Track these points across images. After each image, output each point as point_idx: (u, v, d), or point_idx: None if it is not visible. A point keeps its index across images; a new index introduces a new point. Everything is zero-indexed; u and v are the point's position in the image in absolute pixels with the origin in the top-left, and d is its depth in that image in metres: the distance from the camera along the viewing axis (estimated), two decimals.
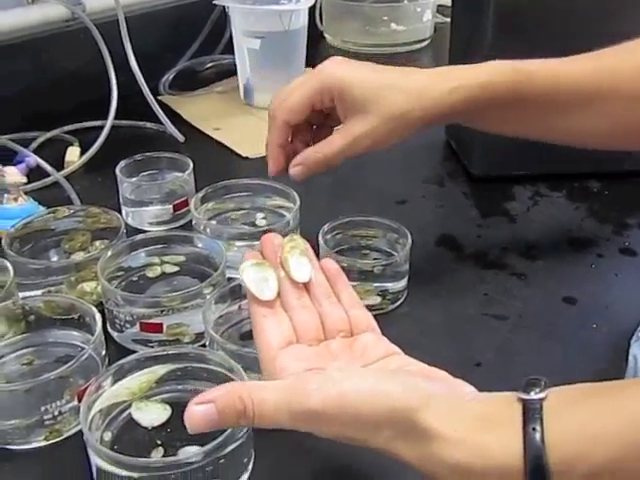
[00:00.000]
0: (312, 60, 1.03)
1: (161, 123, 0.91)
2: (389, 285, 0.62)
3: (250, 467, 0.47)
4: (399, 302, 0.63)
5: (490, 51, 0.74)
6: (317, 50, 1.20)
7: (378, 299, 0.61)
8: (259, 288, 0.48)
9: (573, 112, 0.58)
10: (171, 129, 0.90)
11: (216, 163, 0.87)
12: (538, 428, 0.35)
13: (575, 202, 0.78)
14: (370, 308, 0.60)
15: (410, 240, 0.62)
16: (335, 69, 0.59)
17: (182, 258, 0.63)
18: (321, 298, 0.49)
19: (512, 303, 0.63)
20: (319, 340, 0.47)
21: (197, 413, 0.39)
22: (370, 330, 0.48)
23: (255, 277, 0.48)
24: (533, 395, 0.37)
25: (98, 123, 0.90)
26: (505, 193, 0.80)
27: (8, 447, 0.49)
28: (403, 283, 0.63)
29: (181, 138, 0.90)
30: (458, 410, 0.38)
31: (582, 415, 0.36)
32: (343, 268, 0.60)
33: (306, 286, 0.50)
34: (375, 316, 0.60)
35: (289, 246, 0.51)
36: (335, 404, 0.38)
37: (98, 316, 0.53)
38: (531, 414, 0.36)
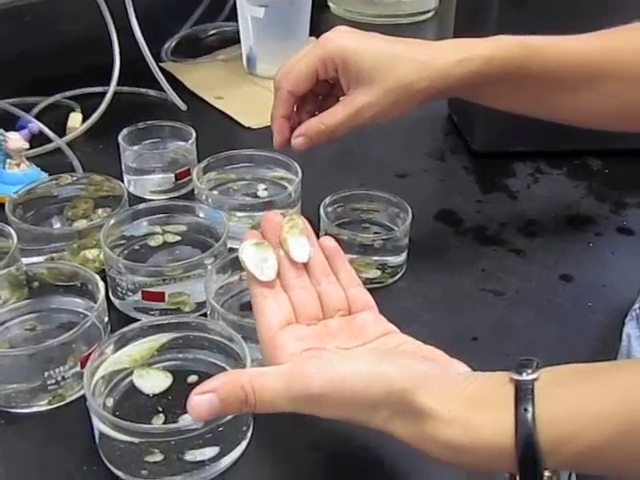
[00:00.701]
0: (316, 29, 1.02)
1: (163, 91, 0.90)
2: (389, 259, 0.62)
3: (249, 435, 0.48)
4: (398, 276, 0.64)
5: (497, 22, 0.74)
6: (321, 19, 1.19)
7: (377, 273, 0.62)
8: (259, 268, 0.48)
9: (578, 90, 0.58)
10: (173, 97, 0.90)
11: (218, 133, 0.87)
12: (530, 408, 0.36)
13: (575, 180, 0.79)
14: (369, 281, 0.62)
15: (411, 215, 0.63)
16: (339, 39, 0.59)
17: (184, 228, 0.64)
18: (320, 277, 0.50)
19: (509, 279, 0.64)
20: (318, 319, 0.48)
21: (200, 403, 0.40)
22: (368, 309, 0.49)
23: (255, 257, 0.49)
24: (525, 376, 0.38)
25: (100, 89, 0.90)
26: (506, 169, 0.80)
27: (11, 410, 0.50)
28: (402, 257, 0.64)
29: (183, 106, 0.90)
30: (452, 390, 0.39)
31: (573, 395, 0.37)
32: (343, 241, 0.61)
33: (305, 265, 0.50)
34: (374, 289, 0.61)
35: (288, 226, 0.51)
36: (334, 387, 0.39)
37: (101, 284, 0.53)
38: (523, 394, 0.37)
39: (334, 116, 0.59)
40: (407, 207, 0.63)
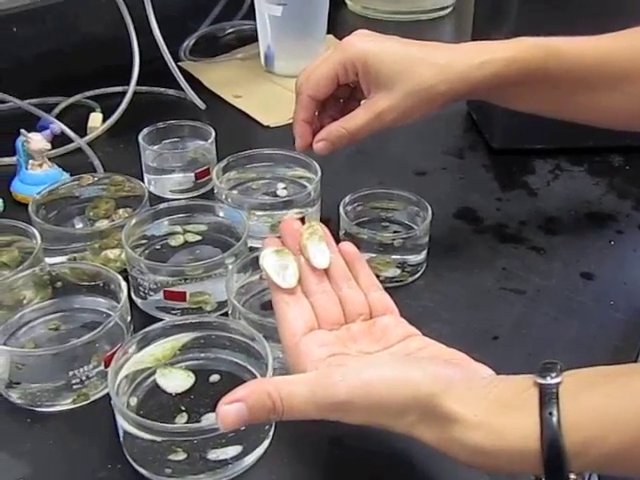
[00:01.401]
0: (333, 27, 1.02)
1: (182, 90, 0.91)
2: (408, 257, 0.62)
3: (271, 434, 0.48)
4: (418, 274, 0.64)
5: (516, 17, 0.73)
6: (338, 17, 1.19)
7: (397, 271, 0.62)
8: (280, 276, 0.49)
9: (599, 91, 0.58)
10: (192, 96, 0.90)
11: (237, 131, 0.87)
12: (555, 412, 0.36)
13: (596, 177, 0.78)
14: (389, 280, 0.62)
15: (430, 213, 0.63)
16: (360, 43, 0.59)
17: (204, 227, 0.64)
18: (340, 282, 0.50)
19: (530, 277, 0.63)
20: (340, 324, 0.48)
21: (229, 413, 0.40)
22: (389, 312, 0.49)
23: (276, 264, 0.49)
24: (549, 380, 0.38)
25: (119, 89, 0.90)
26: (525, 166, 0.80)
27: (37, 409, 0.51)
28: (422, 256, 0.64)
29: (202, 105, 0.91)
30: (477, 394, 0.39)
31: (597, 399, 0.37)
32: (363, 240, 0.61)
33: (325, 271, 0.51)
34: (394, 288, 0.61)
35: (308, 232, 0.51)
36: (360, 394, 0.40)
37: (124, 284, 0.54)
38: (547, 398, 0.37)
39: (355, 120, 0.59)
40: (427, 205, 0.63)
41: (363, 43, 0.59)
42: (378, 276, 0.61)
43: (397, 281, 0.62)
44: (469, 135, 0.86)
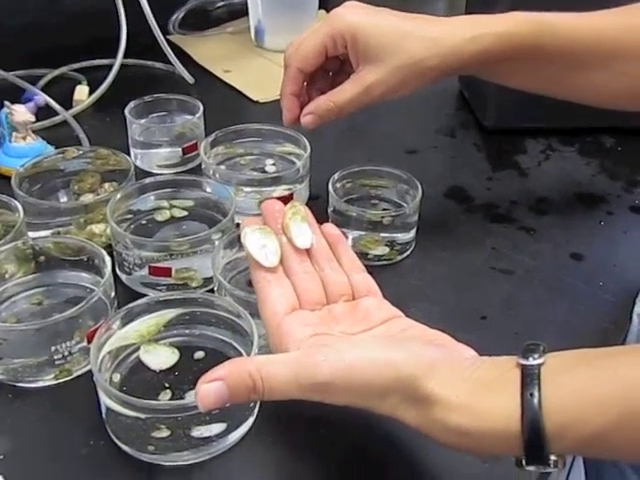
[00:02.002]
0: (325, 2, 1.01)
1: (171, 63, 0.89)
2: (397, 236, 0.62)
3: (256, 411, 0.48)
4: (407, 253, 0.63)
5: None
6: None
7: (386, 250, 0.62)
8: (262, 254, 0.48)
9: (593, 69, 0.57)
10: (180, 70, 0.89)
11: (226, 106, 0.86)
12: (536, 393, 0.36)
13: (587, 157, 0.78)
14: (378, 258, 0.61)
15: (420, 192, 0.62)
16: (348, 14, 0.58)
17: (191, 203, 0.63)
18: (323, 263, 0.49)
19: (519, 257, 0.63)
20: (322, 304, 0.48)
21: (209, 392, 0.39)
22: (372, 294, 0.49)
23: (258, 243, 0.48)
24: (531, 360, 0.37)
25: (106, 61, 0.89)
26: (517, 146, 0.79)
27: (19, 384, 0.50)
28: (412, 234, 0.63)
29: (190, 80, 0.89)
30: (459, 375, 0.39)
31: (579, 381, 0.37)
32: (352, 217, 0.61)
33: (308, 251, 0.50)
34: (382, 267, 0.61)
35: (290, 212, 0.51)
36: (342, 375, 0.39)
37: (108, 259, 0.53)
38: (529, 380, 0.37)
39: (343, 94, 0.58)
40: (417, 183, 0.63)
41: (352, 15, 0.58)
42: (367, 254, 0.61)
43: (386, 259, 0.62)
44: (461, 114, 0.85)
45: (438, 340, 0.44)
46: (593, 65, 0.57)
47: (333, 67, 0.62)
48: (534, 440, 0.36)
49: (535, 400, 0.36)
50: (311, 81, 0.61)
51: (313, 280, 0.48)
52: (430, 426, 0.39)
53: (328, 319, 0.47)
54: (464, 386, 0.38)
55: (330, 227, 0.52)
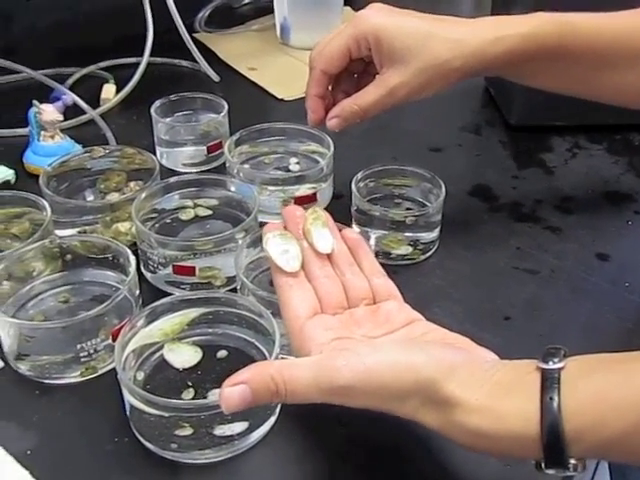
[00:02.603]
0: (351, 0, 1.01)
1: (196, 62, 0.90)
2: (421, 235, 0.62)
3: (277, 411, 0.48)
4: (430, 252, 0.63)
5: None
6: None
7: (409, 249, 0.61)
8: (284, 259, 0.48)
9: (618, 69, 0.56)
10: (206, 68, 0.90)
11: (251, 104, 0.86)
12: (555, 397, 0.36)
13: (615, 155, 0.76)
14: (401, 258, 0.61)
15: (444, 191, 0.62)
16: (373, 16, 0.58)
17: (215, 202, 0.63)
18: (343, 268, 0.49)
19: (544, 257, 0.62)
20: (343, 308, 0.48)
21: (232, 395, 0.40)
22: (392, 298, 0.49)
23: (279, 248, 0.49)
24: (552, 364, 0.37)
25: (133, 60, 0.90)
26: (543, 144, 0.78)
27: (46, 381, 0.51)
28: (435, 233, 0.63)
29: (216, 78, 0.90)
30: (479, 378, 0.39)
31: (599, 385, 0.37)
32: (375, 217, 0.61)
33: (328, 256, 0.50)
34: (405, 266, 0.61)
35: (312, 218, 0.51)
36: (363, 378, 0.39)
37: (132, 258, 0.54)
38: (549, 383, 0.37)
39: (367, 96, 0.58)
40: (440, 183, 0.62)
41: (376, 18, 0.57)
42: (390, 253, 0.61)
43: (409, 259, 0.62)
44: (486, 111, 0.85)
45: (459, 343, 0.44)
46: (618, 65, 0.56)
47: (358, 69, 0.62)
48: (553, 443, 0.36)
49: (555, 404, 0.36)
50: (336, 83, 0.62)
51: (334, 284, 0.49)
52: (450, 428, 0.39)
53: (350, 323, 0.47)
54: (484, 389, 0.38)
55: (350, 232, 0.52)
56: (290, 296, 0.47)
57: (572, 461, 0.36)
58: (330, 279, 0.49)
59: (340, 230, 0.52)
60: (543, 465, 0.37)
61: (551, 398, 0.36)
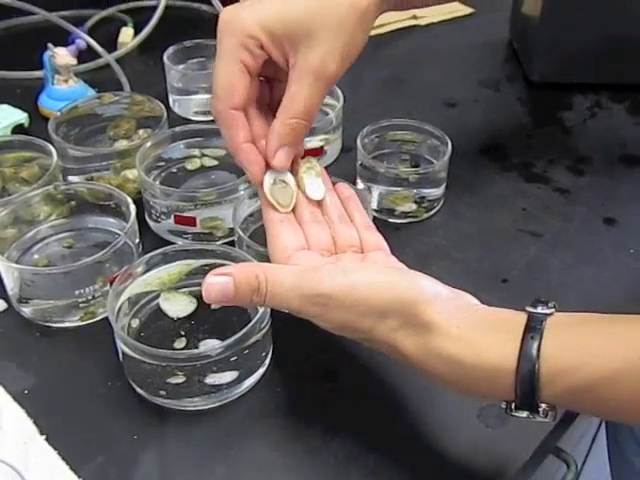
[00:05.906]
0: None
1: (214, 6, 0.89)
2: (426, 192, 0.61)
3: (267, 362, 0.49)
4: (434, 210, 0.62)
5: None
6: None
7: (413, 206, 0.61)
8: (277, 197, 0.48)
9: None
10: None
11: None
12: (537, 337, 0.37)
13: (636, 116, 0.74)
14: (404, 215, 0.61)
15: (450, 149, 0.61)
16: (245, 13, 0.47)
17: (222, 152, 0.63)
18: (334, 216, 0.49)
19: (550, 220, 0.62)
20: (330, 252, 0.48)
21: (215, 284, 0.40)
22: (380, 250, 0.48)
23: (273, 187, 0.49)
24: (540, 309, 0.38)
25: (154, 2, 0.89)
26: (563, 102, 0.76)
27: (47, 324, 0.53)
28: (440, 190, 0.62)
29: None
30: (462, 310, 0.39)
31: (582, 333, 0.37)
32: (379, 173, 0.60)
33: (320, 206, 0.50)
34: (408, 224, 0.61)
35: (305, 167, 0.50)
36: (344, 290, 0.40)
37: (132, 206, 0.54)
38: (533, 324, 0.37)
39: (295, 99, 0.47)
40: (447, 140, 0.61)
41: (249, 12, 0.47)
42: (394, 210, 0.61)
43: (412, 216, 0.61)
44: (507, 66, 0.83)
45: None
46: None
47: (263, 91, 0.51)
48: (527, 381, 0.36)
49: (535, 343, 0.36)
50: (250, 118, 0.49)
51: (323, 229, 0.48)
52: (425, 354, 0.39)
53: None
54: (466, 320, 0.39)
55: (343, 186, 0.52)
56: (280, 230, 0.47)
57: (543, 405, 0.37)
58: (319, 224, 0.49)
59: (334, 184, 0.52)
60: (513, 406, 0.37)
61: (532, 337, 0.37)
